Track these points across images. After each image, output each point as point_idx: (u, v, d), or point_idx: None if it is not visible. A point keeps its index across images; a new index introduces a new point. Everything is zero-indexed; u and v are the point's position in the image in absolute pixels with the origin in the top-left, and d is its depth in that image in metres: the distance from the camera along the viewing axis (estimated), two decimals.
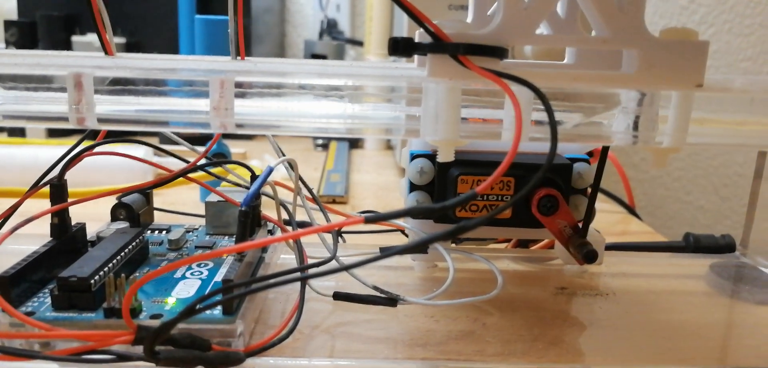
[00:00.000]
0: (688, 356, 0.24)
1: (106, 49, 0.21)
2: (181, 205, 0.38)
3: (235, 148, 0.60)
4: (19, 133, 0.61)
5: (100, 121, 0.19)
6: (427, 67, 0.18)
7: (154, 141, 0.31)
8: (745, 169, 0.73)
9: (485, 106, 0.20)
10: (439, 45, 0.17)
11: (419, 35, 0.18)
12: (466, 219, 0.19)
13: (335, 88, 0.20)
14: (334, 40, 0.84)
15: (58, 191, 0.24)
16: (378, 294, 0.26)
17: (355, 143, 0.74)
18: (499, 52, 0.17)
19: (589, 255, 0.26)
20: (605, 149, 0.26)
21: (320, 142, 0.72)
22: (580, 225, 0.27)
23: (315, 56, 0.76)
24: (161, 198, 0.46)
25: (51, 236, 0.25)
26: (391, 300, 0.25)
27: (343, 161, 0.62)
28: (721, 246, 0.36)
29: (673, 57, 0.18)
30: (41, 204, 0.24)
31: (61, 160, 0.25)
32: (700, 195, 0.77)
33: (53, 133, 0.63)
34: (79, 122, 0.19)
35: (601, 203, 0.51)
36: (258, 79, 0.20)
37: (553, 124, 0.15)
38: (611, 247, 0.35)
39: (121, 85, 0.20)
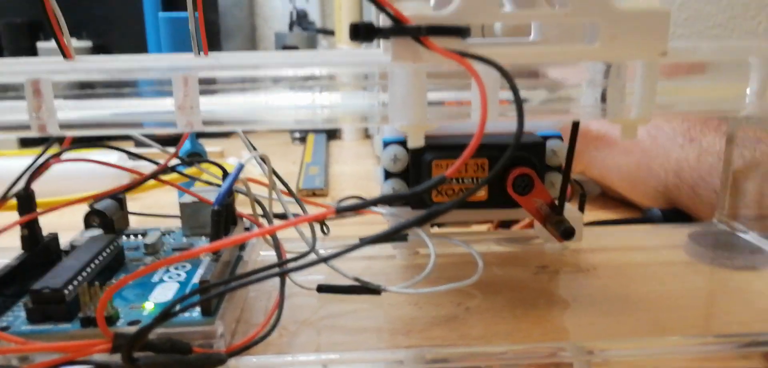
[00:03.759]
0: (671, 326, 0.24)
1: (64, 52, 0.20)
2: (159, 208, 0.38)
3: (211, 147, 0.59)
4: None
5: (62, 126, 0.19)
6: (391, 51, 0.18)
7: (127, 145, 0.31)
8: None
9: (456, 88, 0.20)
10: (400, 28, 0.17)
11: (381, 19, 0.18)
12: (440, 204, 0.19)
13: (305, 79, 0.20)
14: (304, 31, 0.84)
15: (26, 202, 0.24)
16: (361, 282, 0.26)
17: (333, 135, 0.73)
18: (461, 32, 0.17)
19: (566, 232, 0.26)
20: (576, 124, 0.26)
21: (297, 135, 0.72)
22: (557, 202, 0.27)
23: (286, 48, 0.76)
24: (139, 202, 0.45)
25: (22, 248, 0.24)
26: (375, 289, 0.25)
27: (322, 153, 0.62)
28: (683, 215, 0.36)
29: (635, 27, 0.18)
30: (13, 216, 0.24)
31: (27, 171, 0.24)
32: None
33: (26, 143, 0.62)
34: (40, 129, 0.19)
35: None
36: (221, 74, 0.19)
37: (519, 102, 0.15)
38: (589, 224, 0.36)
39: (83, 89, 0.19)
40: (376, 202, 0.16)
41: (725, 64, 0.20)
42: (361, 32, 0.17)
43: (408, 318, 0.25)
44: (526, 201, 0.26)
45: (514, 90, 0.15)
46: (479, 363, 0.22)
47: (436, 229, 0.33)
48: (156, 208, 0.38)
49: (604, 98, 0.19)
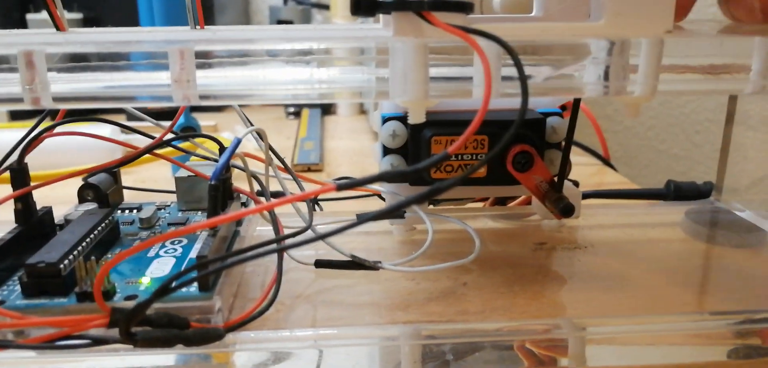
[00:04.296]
0: (667, 303, 0.25)
1: (57, 24, 0.20)
2: (153, 183, 0.38)
3: (205, 122, 0.59)
4: None
5: (56, 99, 0.19)
6: (392, 25, 0.18)
7: (121, 119, 0.30)
8: (716, 114, 0.73)
9: (455, 64, 0.19)
10: (403, 2, 0.17)
11: None
12: (441, 181, 0.19)
13: (301, 53, 0.20)
14: (299, 5, 0.82)
15: (19, 175, 0.24)
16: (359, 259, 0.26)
17: (327, 110, 0.73)
18: (464, 7, 0.17)
19: (565, 209, 0.26)
20: (577, 101, 0.26)
21: (292, 110, 0.71)
22: (556, 179, 0.27)
23: (281, 22, 0.75)
24: (133, 176, 0.45)
25: (16, 222, 0.24)
26: (374, 265, 0.25)
27: (316, 128, 0.61)
28: (703, 192, 0.36)
29: (641, 3, 0.18)
30: (6, 189, 0.24)
31: (20, 144, 0.24)
32: (673, 144, 0.78)
33: (17, 116, 0.61)
34: (33, 102, 0.18)
35: (577, 156, 0.52)
36: (218, 47, 0.19)
37: (523, 79, 0.15)
38: (590, 195, 0.36)
39: (77, 62, 0.19)
40: (376, 179, 0.16)
41: (728, 41, 0.20)
42: (363, 6, 0.17)
43: (405, 294, 0.25)
44: (526, 178, 0.26)
45: (519, 66, 0.15)
46: (474, 339, 0.22)
47: (430, 207, 0.33)
48: (150, 183, 0.37)
49: (607, 76, 0.19)
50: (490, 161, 0.27)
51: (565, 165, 0.27)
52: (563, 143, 0.28)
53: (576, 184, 0.30)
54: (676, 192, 0.36)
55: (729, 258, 0.29)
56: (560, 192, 0.26)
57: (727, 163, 0.33)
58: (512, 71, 0.18)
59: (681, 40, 0.19)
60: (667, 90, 0.19)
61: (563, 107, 0.29)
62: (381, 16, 0.20)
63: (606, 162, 0.51)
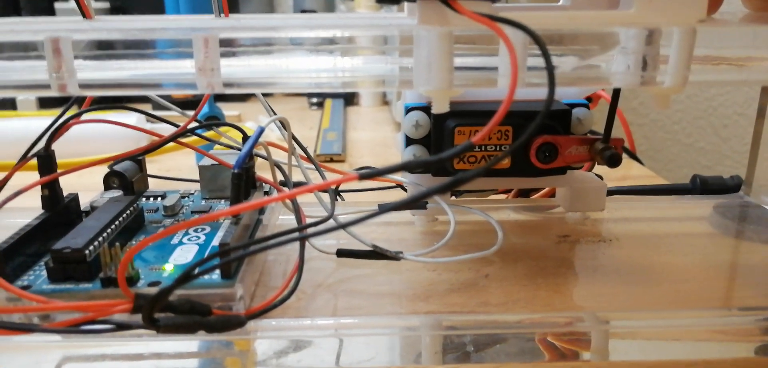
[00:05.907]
0: (693, 298, 0.24)
1: (83, 11, 0.20)
2: (177, 171, 0.38)
3: (229, 111, 0.59)
4: (9, 105, 0.61)
5: (82, 86, 0.19)
6: (417, 13, 0.18)
7: (146, 108, 0.30)
8: (745, 108, 0.72)
9: (481, 53, 0.19)
10: None
11: None
12: (464, 172, 0.19)
13: (326, 41, 0.20)
14: None
15: (46, 162, 0.24)
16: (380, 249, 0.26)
17: (350, 100, 0.73)
18: None
19: (612, 159, 0.25)
20: (617, 90, 0.25)
21: (315, 100, 0.71)
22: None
23: (305, 11, 0.75)
24: (157, 165, 0.46)
25: (43, 208, 0.24)
26: (395, 255, 0.25)
27: (339, 119, 0.61)
28: (730, 187, 0.35)
29: None
30: (33, 176, 0.24)
31: (48, 131, 0.24)
32: (700, 137, 0.77)
33: (45, 104, 0.62)
34: (60, 89, 0.19)
35: None
36: (243, 35, 0.19)
37: (550, 69, 0.15)
38: (613, 192, 0.35)
39: (103, 50, 0.19)
40: (398, 169, 0.16)
41: (762, 31, 0.19)
42: None
43: (427, 284, 0.25)
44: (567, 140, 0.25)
45: (546, 56, 0.15)
46: (495, 331, 0.22)
47: (452, 198, 0.32)
48: (174, 171, 0.38)
49: (645, 65, 0.19)
50: (513, 152, 0.26)
51: (613, 117, 0.26)
52: (589, 135, 0.28)
53: (600, 177, 0.30)
54: (702, 187, 0.36)
55: (758, 253, 0.28)
56: (607, 142, 0.26)
57: (758, 157, 0.32)
58: (538, 61, 0.18)
59: (713, 29, 0.19)
60: (698, 80, 0.19)
61: (589, 99, 0.28)
62: (406, 4, 0.20)
63: (632, 155, 0.51)
